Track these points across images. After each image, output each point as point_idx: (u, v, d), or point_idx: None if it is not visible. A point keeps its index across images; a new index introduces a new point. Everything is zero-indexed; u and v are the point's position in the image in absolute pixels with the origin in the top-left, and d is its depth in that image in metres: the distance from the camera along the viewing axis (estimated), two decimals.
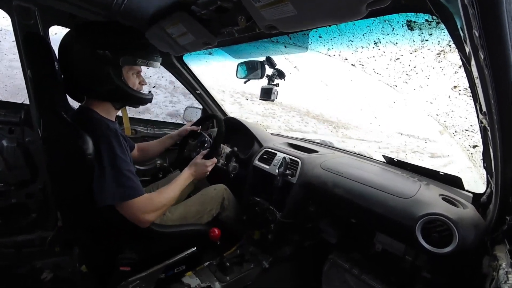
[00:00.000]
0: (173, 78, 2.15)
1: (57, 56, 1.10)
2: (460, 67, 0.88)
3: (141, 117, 2.34)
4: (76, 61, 1.04)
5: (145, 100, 1.23)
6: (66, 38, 1.07)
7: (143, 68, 1.21)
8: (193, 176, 1.33)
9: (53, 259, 1.69)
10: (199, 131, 1.74)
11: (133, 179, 1.06)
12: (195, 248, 1.36)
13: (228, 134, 1.46)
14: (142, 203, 1.06)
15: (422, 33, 1.00)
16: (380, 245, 1.18)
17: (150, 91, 1.26)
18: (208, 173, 1.39)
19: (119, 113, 1.29)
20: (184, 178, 1.29)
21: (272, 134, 2.09)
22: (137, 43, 1.14)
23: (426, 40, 1.04)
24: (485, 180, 1.05)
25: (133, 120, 2.03)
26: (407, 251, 1.10)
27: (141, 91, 1.21)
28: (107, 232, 1.18)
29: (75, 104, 1.45)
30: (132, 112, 1.50)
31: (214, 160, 1.43)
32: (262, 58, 1.48)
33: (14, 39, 1.40)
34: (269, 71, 1.49)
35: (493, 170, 0.81)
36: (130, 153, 1.19)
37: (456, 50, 0.82)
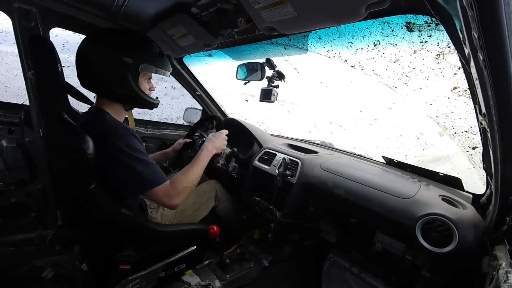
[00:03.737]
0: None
1: (60, 59, 1.13)
2: (459, 68, 0.88)
3: (141, 117, 2.34)
4: (99, 63, 1.10)
5: (153, 104, 1.28)
6: (86, 41, 1.12)
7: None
8: (215, 148, 1.37)
9: (53, 258, 1.69)
10: (199, 131, 1.75)
11: (156, 168, 1.13)
12: (195, 246, 1.36)
13: (228, 135, 1.47)
14: (168, 188, 1.13)
15: (421, 34, 1.00)
16: (380, 245, 1.18)
17: (157, 97, 1.31)
18: (226, 143, 1.44)
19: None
20: (204, 154, 1.32)
21: (272, 135, 2.09)
22: (154, 51, 1.20)
23: (426, 42, 1.04)
24: (485, 181, 1.06)
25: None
26: (407, 251, 1.10)
27: (151, 96, 1.27)
28: (107, 230, 1.19)
29: (75, 104, 1.45)
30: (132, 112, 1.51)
31: (226, 131, 1.47)
32: (262, 60, 1.49)
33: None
34: (269, 72, 1.49)
35: (492, 171, 0.81)
36: None
37: (456, 51, 0.82)
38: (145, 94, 1.23)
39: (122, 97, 1.18)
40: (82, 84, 1.18)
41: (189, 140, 1.75)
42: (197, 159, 1.29)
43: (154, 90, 1.29)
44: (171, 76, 1.46)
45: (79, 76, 1.16)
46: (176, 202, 1.15)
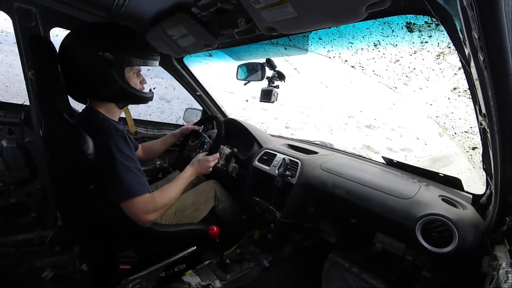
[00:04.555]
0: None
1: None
2: (459, 69, 0.88)
3: (141, 118, 2.34)
4: (78, 63, 1.05)
5: (146, 98, 1.25)
6: (66, 40, 1.08)
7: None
8: (196, 173, 1.34)
9: (53, 258, 1.69)
10: (200, 131, 1.75)
11: (141, 176, 1.09)
12: (195, 247, 1.36)
13: (228, 135, 1.47)
14: (144, 202, 1.07)
15: (421, 35, 1.00)
16: (380, 245, 1.18)
17: (150, 89, 1.28)
18: (211, 169, 1.39)
19: (122, 113, 1.31)
20: (186, 175, 1.30)
21: (272, 135, 2.09)
22: (136, 43, 1.16)
23: (426, 42, 1.04)
24: (485, 181, 1.06)
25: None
26: (407, 251, 1.10)
27: (143, 90, 1.23)
28: (107, 230, 1.19)
29: (75, 104, 1.45)
30: (132, 113, 1.51)
31: (217, 155, 1.43)
32: (262, 60, 1.49)
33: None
34: (269, 73, 1.49)
35: (492, 172, 0.81)
36: (135, 153, 1.21)
37: (456, 52, 0.82)
38: (136, 89, 1.18)
39: (112, 96, 1.14)
40: (70, 94, 1.15)
41: (198, 128, 1.74)
42: (179, 179, 1.26)
43: (145, 83, 1.25)
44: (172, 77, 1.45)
45: (66, 82, 1.12)
46: (151, 218, 1.10)
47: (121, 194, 1.04)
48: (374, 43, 1.16)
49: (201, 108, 2.31)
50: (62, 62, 1.09)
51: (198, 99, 2.22)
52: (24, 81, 1.47)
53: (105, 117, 1.14)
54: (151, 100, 1.28)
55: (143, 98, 1.23)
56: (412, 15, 0.92)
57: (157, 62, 1.24)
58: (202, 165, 1.36)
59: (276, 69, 1.48)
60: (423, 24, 0.95)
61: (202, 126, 1.79)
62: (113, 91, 1.11)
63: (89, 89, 1.11)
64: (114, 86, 1.10)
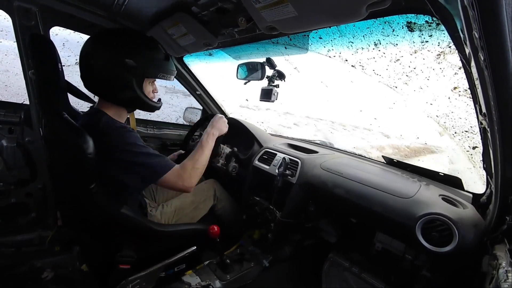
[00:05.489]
0: None
1: (60, 58, 1.12)
2: (460, 68, 0.88)
3: (141, 117, 2.34)
4: (101, 67, 1.07)
5: (156, 108, 1.27)
6: (89, 42, 1.10)
7: None
8: (216, 131, 1.35)
9: (53, 258, 1.69)
10: (197, 133, 1.76)
11: (161, 157, 1.15)
12: (195, 247, 1.36)
13: (228, 135, 1.46)
14: (178, 172, 1.15)
15: (422, 34, 1.00)
16: (380, 245, 1.18)
17: (159, 99, 1.30)
18: (227, 126, 1.43)
19: None
20: (207, 137, 1.31)
21: (272, 134, 2.09)
22: (160, 56, 1.17)
23: (426, 42, 1.04)
24: (485, 180, 1.06)
25: None
26: (407, 251, 1.10)
27: (153, 99, 1.25)
28: (107, 230, 1.19)
29: (75, 104, 1.45)
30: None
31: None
32: (263, 59, 1.49)
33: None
34: (269, 72, 1.49)
35: (492, 171, 0.81)
36: None
37: (456, 51, 0.82)
38: (149, 98, 1.21)
39: (125, 101, 1.17)
40: (86, 87, 1.17)
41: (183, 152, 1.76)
42: (201, 143, 1.28)
43: (157, 92, 1.27)
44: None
45: (82, 78, 1.14)
46: (189, 184, 1.17)
47: (153, 175, 1.11)
48: (375, 42, 1.16)
49: (201, 108, 2.31)
50: (83, 63, 1.10)
51: (198, 98, 2.22)
52: (24, 80, 1.47)
53: (109, 119, 1.15)
54: (159, 109, 1.30)
55: (154, 108, 1.26)
56: (413, 15, 0.92)
57: (173, 77, 1.26)
58: (218, 121, 1.39)
59: (276, 68, 1.48)
60: (423, 24, 0.95)
61: (195, 135, 1.82)
62: (128, 97, 1.14)
63: (106, 91, 1.14)
64: (131, 93, 1.13)
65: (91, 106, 1.25)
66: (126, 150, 1.07)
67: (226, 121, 1.43)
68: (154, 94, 1.25)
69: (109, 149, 1.06)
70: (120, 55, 1.07)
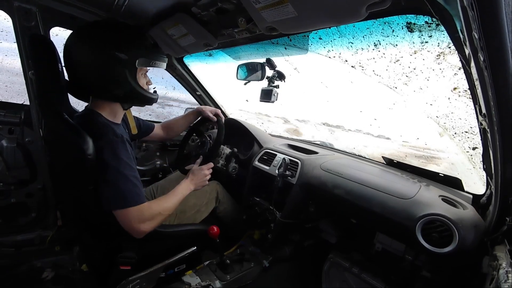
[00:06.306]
0: None
1: (60, 58, 1.10)
2: (460, 69, 0.89)
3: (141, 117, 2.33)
4: (89, 62, 1.02)
5: (153, 100, 1.23)
6: (73, 38, 1.05)
7: None
8: (193, 186, 1.30)
9: (53, 258, 1.69)
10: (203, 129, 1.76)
11: (138, 185, 1.05)
12: (195, 247, 1.36)
13: (228, 135, 1.46)
14: (140, 212, 1.03)
15: (422, 35, 1.00)
16: (380, 245, 1.18)
17: (155, 91, 1.27)
18: (208, 179, 1.37)
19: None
20: (183, 188, 1.25)
21: (272, 135, 2.09)
22: (149, 43, 1.14)
23: (426, 42, 1.04)
24: (485, 181, 1.06)
25: None
26: (407, 251, 1.10)
27: (149, 91, 1.22)
28: (107, 231, 1.18)
29: (75, 104, 1.45)
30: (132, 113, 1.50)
31: (211, 164, 1.40)
32: (263, 60, 1.49)
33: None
34: (269, 72, 1.49)
35: (492, 172, 0.81)
36: (135, 159, 1.18)
37: (456, 52, 0.82)
38: (145, 90, 1.16)
39: (122, 97, 1.12)
40: (71, 92, 1.13)
41: (212, 117, 1.66)
42: (175, 191, 1.23)
43: (151, 84, 1.24)
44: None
45: (70, 80, 1.09)
46: (144, 228, 1.04)
47: (116, 202, 1.01)
48: (374, 43, 1.16)
49: None
50: (69, 60, 1.06)
51: (198, 99, 2.22)
52: (24, 81, 1.47)
53: (105, 120, 1.11)
54: (156, 102, 1.26)
55: (150, 100, 1.21)
56: (413, 15, 0.92)
57: (165, 64, 1.22)
58: (198, 177, 1.32)
59: (276, 69, 1.48)
60: (423, 24, 0.95)
61: (194, 136, 1.80)
62: (124, 91, 1.09)
63: (98, 89, 1.09)
64: (126, 86, 1.09)
65: (86, 106, 1.21)
66: (107, 160, 1.00)
67: (208, 172, 1.36)
68: (148, 86, 1.21)
69: (98, 153, 1.00)
70: (109, 49, 1.02)
